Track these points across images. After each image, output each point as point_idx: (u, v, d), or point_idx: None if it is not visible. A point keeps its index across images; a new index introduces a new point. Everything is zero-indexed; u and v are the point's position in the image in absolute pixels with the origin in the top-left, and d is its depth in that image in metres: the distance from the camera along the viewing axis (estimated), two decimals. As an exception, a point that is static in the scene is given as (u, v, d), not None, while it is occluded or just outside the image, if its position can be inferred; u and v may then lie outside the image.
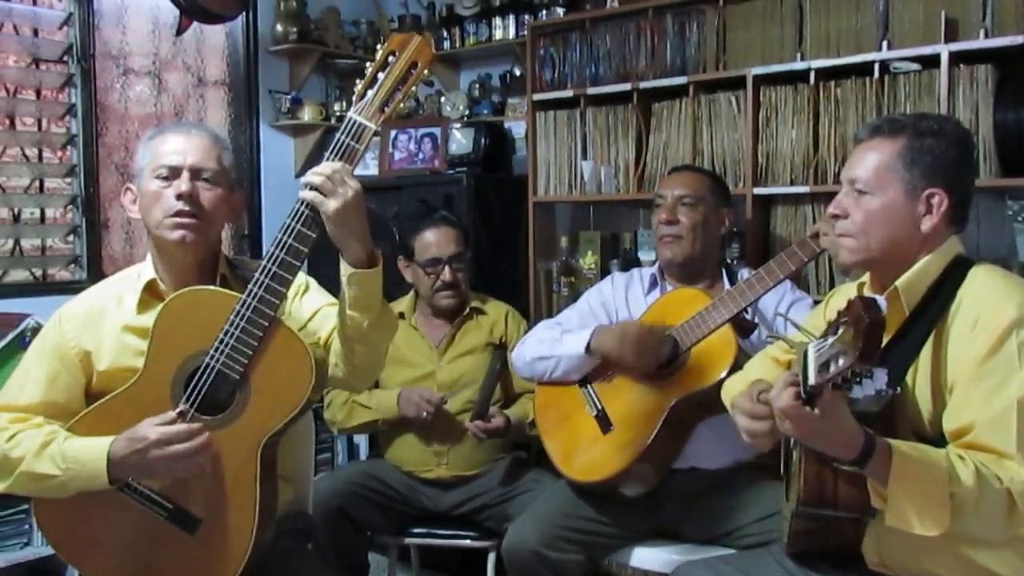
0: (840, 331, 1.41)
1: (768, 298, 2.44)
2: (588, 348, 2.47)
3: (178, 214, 1.85)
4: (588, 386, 2.54)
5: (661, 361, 2.38)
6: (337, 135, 1.72)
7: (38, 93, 3.61)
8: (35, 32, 3.58)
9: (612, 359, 2.45)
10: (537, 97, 3.56)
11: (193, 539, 1.79)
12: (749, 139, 3.00)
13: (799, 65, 2.92)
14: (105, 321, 1.92)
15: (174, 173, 1.87)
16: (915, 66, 2.73)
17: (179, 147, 1.90)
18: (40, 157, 3.62)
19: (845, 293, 1.93)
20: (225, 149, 1.97)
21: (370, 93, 1.73)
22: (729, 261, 2.77)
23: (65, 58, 3.64)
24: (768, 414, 1.61)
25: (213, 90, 4.21)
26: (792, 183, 2.96)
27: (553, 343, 2.56)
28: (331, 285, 2.04)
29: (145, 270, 1.96)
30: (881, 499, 1.57)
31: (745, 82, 3.00)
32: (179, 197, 1.85)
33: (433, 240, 2.96)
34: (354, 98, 1.74)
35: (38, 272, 3.60)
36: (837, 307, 1.66)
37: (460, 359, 2.99)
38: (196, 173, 1.88)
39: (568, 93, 3.47)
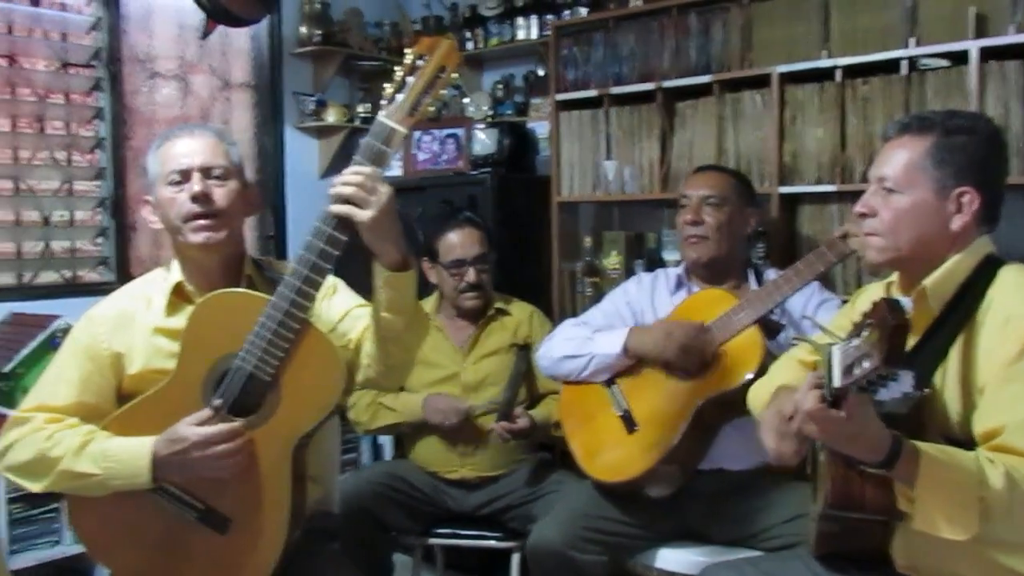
0: (865, 333, 1.41)
1: (796, 299, 2.43)
2: (625, 349, 2.47)
3: (196, 216, 1.87)
4: (614, 386, 2.54)
5: (706, 360, 2.37)
6: (366, 139, 1.73)
7: (67, 97, 3.65)
8: (63, 37, 3.63)
9: (652, 359, 2.44)
10: (560, 97, 3.56)
11: (224, 539, 1.81)
12: (774, 138, 2.99)
13: (825, 63, 2.90)
14: (135, 324, 1.94)
15: (185, 176, 1.89)
16: (944, 62, 2.71)
17: (185, 149, 1.91)
18: (69, 160, 3.66)
19: (872, 292, 1.92)
20: (231, 144, 1.98)
21: (399, 96, 1.73)
22: (755, 261, 2.76)
23: (93, 62, 3.68)
24: (795, 434, 1.61)
25: (238, 92, 4.25)
26: (818, 182, 2.94)
27: (584, 342, 2.56)
28: (357, 286, 2.06)
29: (172, 273, 1.97)
30: (908, 502, 1.55)
31: (770, 80, 2.99)
32: (194, 199, 1.86)
33: (457, 241, 2.97)
34: (383, 101, 1.74)
35: (68, 274, 3.64)
36: (863, 307, 1.65)
37: (484, 360, 3.00)
38: (206, 172, 1.90)
39: (591, 93, 3.47)
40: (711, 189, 2.59)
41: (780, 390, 1.82)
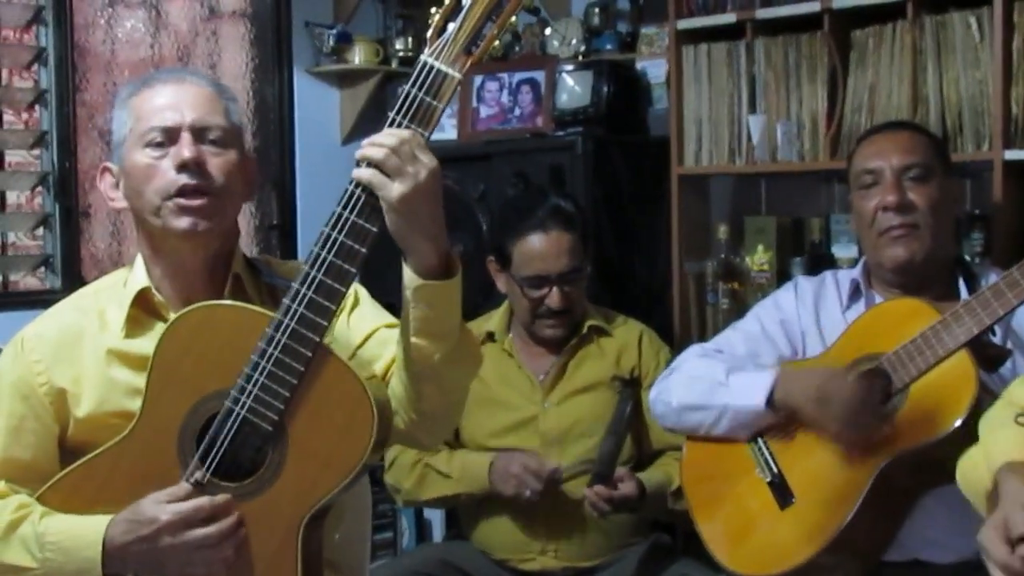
0: None
1: (1027, 314, 2.39)
2: (770, 402, 2.46)
3: (183, 192, 1.89)
4: (759, 440, 2.53)
5: (882, 430, 2.34)
6: (406, 88, 1.74)
7: (-6, 34, 3.75)
8: (-9, -49, 3.73)
9: (807, 422, 2.42)
10: (683, 25, 3.56)
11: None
12: (998, 80, 2.95)
13: (1074, -33, 2.87)
14: (84, 348, 1.97)
15: (171, 137, 1.91)
16: None
17: (173, 100, 1.94)
18: (-1, 121, 3.77)
19: None
20: (232, 100, 2.02)
21: (451, 27, 1.74)
22: (967, 259, 2.72)
23: (32, -15, 3.77)
24: None
25: (229, 24, 4.32)
26: (1063, 143, 2.91)
27: (715, 387, 2.54)
28: (389, 296, 2.07)
29: (135, 276, 2.00)
30: None
31: (991, -5, 2.96)
32: (182, 167, 1.89)
33: (539, 250, 2.96)
34: (428, 34, 1.75)
35: (-4, 278, 3.75)
36: None
37: (573, 399, 3.00)
38: (199, 134, 1.92)
39: (729, 18, 3.46)
40: (910, 156, 2.54)
41: (1007, 474, 1.76)
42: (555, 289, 2.95)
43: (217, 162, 1.93)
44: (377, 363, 1.97)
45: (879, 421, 2.32)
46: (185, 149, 1.89)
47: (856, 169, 2.62)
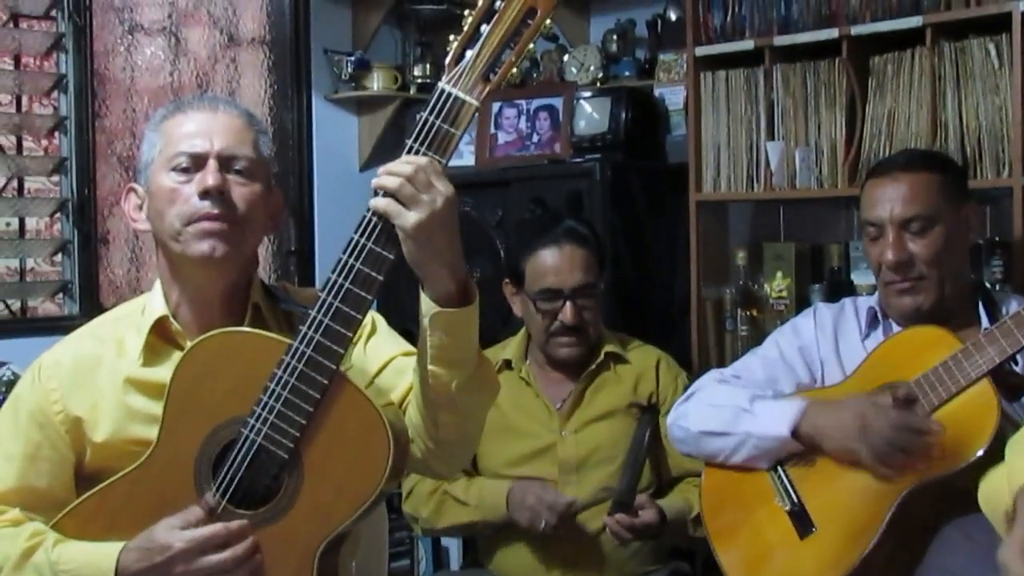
0: None
1: (1050, 342, 2.37)
2: (795, 431, 2.44)
3: (205, 218, 1.90)
4: (779, 469, 2.52)
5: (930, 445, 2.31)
6: (423, 115, 1.74)
7: (17, 61, 3.77)
8: (13, -21, 3.75)
9: (836, 453, 2.40)
10: (701, 52, 3.56)
11: None
12: (1017, 106, 2.94)
13: (1093, -5, 2.86)
14: (101, 375, 1.97)
15: (197, 163, 1.92)
16: None
17: (203, 127, 1.95)
18: (18, 147, 3.78)
19: None
20: (262, 132, 2.03)
21: (469, 54, 1.74)
22: (988, 286, 2.70)
23: (53, 12, 3.78)
24: None
25: (248, 51, 4.34)
26: (1084, 169, 2.90)
27: (737, 414, 2.53)
28: (406, 323, 2.06)
29: (152, 303, 2.01)
30: None
31: (1011, 22, 2.95)
32: (205, 194, 1.89)
33: (551, 264, 2.97)
34: (446, 61, 1.76)
35: (15, 304, 3.74)
36: None
37: (591, 427, 3.00)
38: (226, 163, 1.93)
39: (747, 45, 3.47)
40: (911, 206, 2.50)
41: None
42: (568, 304, 2.95)
43: (241, 192, 1.94)
44: (394, 392, 1.97)
45: (925, 438, 2.29)
46: (210, 176, 1.90)
47: (861, 216, 2.61)
